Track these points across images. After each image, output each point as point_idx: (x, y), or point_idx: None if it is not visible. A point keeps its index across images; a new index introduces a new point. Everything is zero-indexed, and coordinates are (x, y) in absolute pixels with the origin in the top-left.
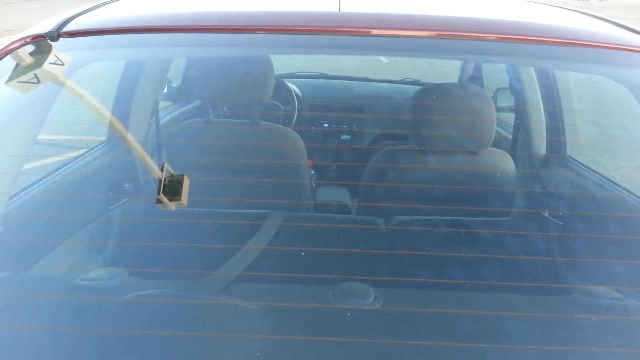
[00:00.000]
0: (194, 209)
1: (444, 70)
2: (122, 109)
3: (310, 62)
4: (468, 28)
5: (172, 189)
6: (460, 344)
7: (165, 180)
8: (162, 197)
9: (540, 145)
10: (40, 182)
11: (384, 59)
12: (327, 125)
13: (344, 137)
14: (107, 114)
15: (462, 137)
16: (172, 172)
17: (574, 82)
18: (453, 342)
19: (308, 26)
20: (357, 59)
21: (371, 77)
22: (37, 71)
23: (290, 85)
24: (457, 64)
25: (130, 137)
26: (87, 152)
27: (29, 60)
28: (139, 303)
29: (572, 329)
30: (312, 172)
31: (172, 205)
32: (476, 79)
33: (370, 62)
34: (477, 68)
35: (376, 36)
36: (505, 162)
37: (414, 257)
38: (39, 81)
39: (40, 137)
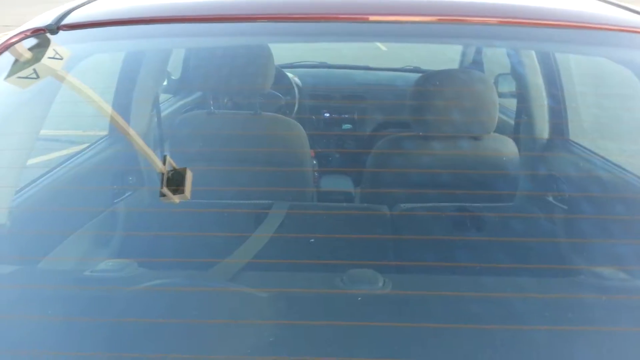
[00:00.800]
0: (198, 200)
1: (444, 56)
2: (123, 102)
3: (309, 51)
4: (468, 12)
5: (175, 182)
6: (469, 325)
7: (168, 173)
8: (166, 190)
9: (543, 130)
10: (45, 177)
11: (382, 46)
12: (328, 114)
13: (345, 126)
14: (109, 107)
15: (464, 122)
16: (174, 165)
17: (576, 65)
18: (462, 324)
19: (306, 14)
20: (356, 47)
21: (371, 65)
22: (37, 65)
23: (290, 75)
24: (457, 49)
25: (132, 131)
26: (89, 146)
27: (29, 54)
28: (149, 293)
29: (580, 310)
30: (315, 161)
31: (176, 199)
32: (477, 64)
33: (369, 50)
34: (478, 53)
35: (374, 22)
36: (508, 147)
37: (420, 243)
38: (39, 76)
39: (42, 132)
